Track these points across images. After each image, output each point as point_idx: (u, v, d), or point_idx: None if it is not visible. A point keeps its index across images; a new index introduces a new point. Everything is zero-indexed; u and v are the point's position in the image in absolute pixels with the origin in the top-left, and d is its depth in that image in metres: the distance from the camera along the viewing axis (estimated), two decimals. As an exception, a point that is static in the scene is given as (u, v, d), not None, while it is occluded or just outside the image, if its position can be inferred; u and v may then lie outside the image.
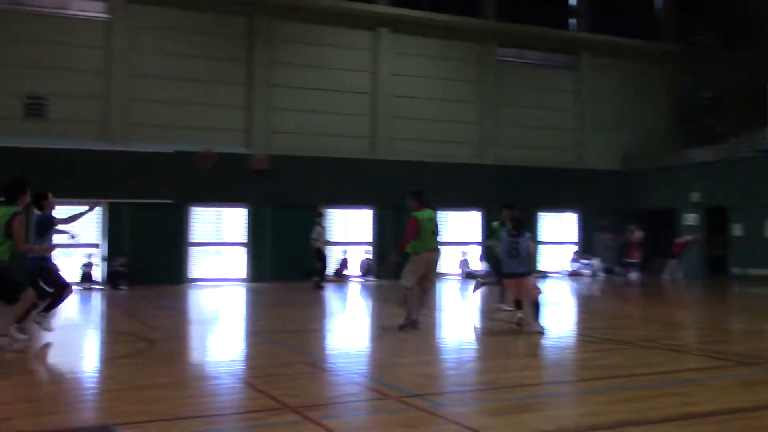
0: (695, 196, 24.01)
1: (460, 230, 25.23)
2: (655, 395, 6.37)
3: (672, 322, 13.18)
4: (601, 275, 24.92)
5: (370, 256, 23.40)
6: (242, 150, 22.12)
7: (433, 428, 5.12)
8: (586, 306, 16.64)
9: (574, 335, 10.92)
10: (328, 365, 8.00)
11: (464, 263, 24.40)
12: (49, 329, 9.18)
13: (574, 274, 25.13)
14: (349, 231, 23.84)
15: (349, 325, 12.35)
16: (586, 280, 23.78)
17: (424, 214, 10.73)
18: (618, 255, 26.04)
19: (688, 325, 12.78)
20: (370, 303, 16.71)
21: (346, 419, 5.51)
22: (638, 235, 24.07)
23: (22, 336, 8.57)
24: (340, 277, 22.60)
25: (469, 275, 23.88)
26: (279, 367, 7.71)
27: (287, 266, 21.75)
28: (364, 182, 22.94)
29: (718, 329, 11.95)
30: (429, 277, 10.78)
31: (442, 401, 6.07)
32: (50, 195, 9.42)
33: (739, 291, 19.76)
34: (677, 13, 29.29)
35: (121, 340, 9.74)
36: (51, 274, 9.19)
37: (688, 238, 23.63)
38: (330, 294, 18.06)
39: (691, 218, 24.43)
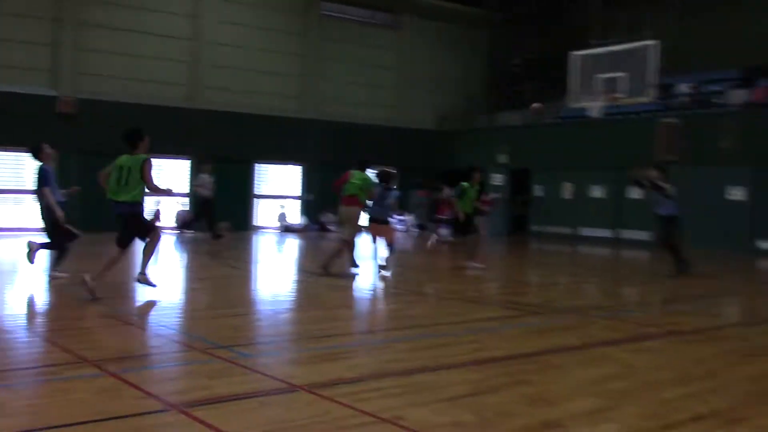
0: (502, 158, 25.43)
1: (279, 184, 25.20)
2: (452, 343, 6.78)
3: (475, 275, 13.98)
4: (414, 231, 25.87)
5: (187, 208, 22.81)
6: (47, 91, 20.65)
7: (236, 379, 5.15)
8: (398, 260, 17.23)
9: (385, 288, 11.31)
10: (134, 318, 7.78)
11: (282, 217, 24.44)
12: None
13: (389, 230, 25.86)
14: (165, 182, 23.03)
15: (160, 278, 12.02)
16: (399, 235, 24.57)
17: (353, 174, 12.26)
18: (429, 212, 27.15)
19: (488, 278, 13.61)
20: (184, 255, 16.33)
21: (147, 372, 5.41)
22: (448, 193, 25.19)
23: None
24: (153, 229, 21.87)
25: (286, 229, 24.00)
26: (80, 320, 7.40)
27: (96, 217, 20.72)
28: (181, 132, 22.21)
29: (515, 282, 12.85)
30: (345, 229, 12.23)
31: (248, 352, 6.11)
32: (46, 146, 10.47)
33: (537, 247, 21.27)
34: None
35: None
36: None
37: (494, 196, 25.00)
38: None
39: (498, 178, 25.87)
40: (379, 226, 12.24)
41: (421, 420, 4.29)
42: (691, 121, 20.81)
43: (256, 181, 24.56)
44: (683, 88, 23.32)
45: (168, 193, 9.73)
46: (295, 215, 25.01)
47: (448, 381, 5.25)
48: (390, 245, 12.18)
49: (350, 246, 12.33)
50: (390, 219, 12.53)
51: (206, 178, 19.34)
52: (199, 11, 23.33)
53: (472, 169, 13.97)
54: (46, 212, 10.22)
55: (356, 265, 12.35)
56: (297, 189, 25.40)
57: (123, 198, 8.67)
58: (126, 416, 4.23)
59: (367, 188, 12.15)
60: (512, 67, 29.35)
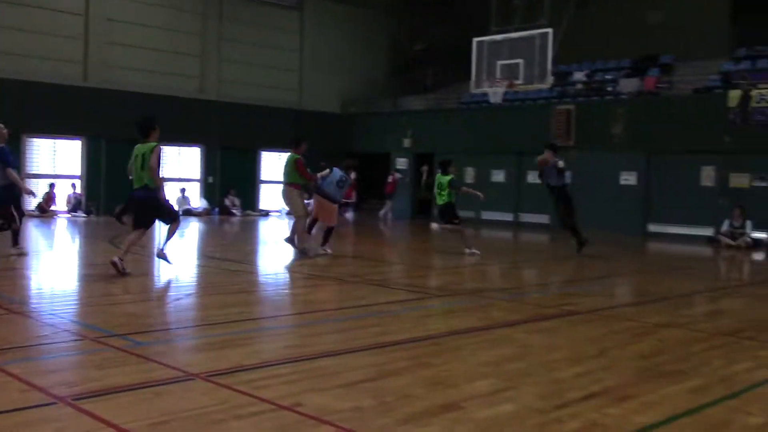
0: (406, 142, 25.58)
1: (179, 166, 24.55)
2: (356, 327, 6.76)
3: (378, 258, 14.05)
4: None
5: (80, 191, 21.96)
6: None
7: (128, 368, 4.95)
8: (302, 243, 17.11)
9: (288, 272, 11.19)
10: (23, 307, 7.39)
11: (182, 200, 23.85)
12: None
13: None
14: (57, 163, 22.09)
15: (53, 264, 11.51)
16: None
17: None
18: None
19: (392, 262, 13.71)
20: (78, 240, 15.69)
21: (33, 363, 5.12)
22: (352, 176, 25.15)
23: None
24: (45, 213, 20.95)
25: (187, 212, 23.44)
26: (-39, 310, 6.98)
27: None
28: (74, 111, 21.31)
29: (418, 265, 12.95)
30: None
31: (144, 340, 5.89)
32: (2, 125, 10.75)
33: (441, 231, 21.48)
34: (398, -35, 30.59)
35: None
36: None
37: (397, 176, 25.12)
38: (33, 230, 16.66)
39: (402, 162, 26.03)
40: (326, 204, 12.71)
41: (321, 406, 4.24)
42: (586, 108, 21.51)
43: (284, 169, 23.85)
44: (578, 76, 24.05)
45: (163, 183, 9.80)
46: (195, 198, 24.47)
47: (349, 366, 5.22)
48: (330, 227, 12.86)
49: (297, 226, 12.68)
50: (339, 201, 13.27)
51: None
52: (92, -15, 22.34)
53: (448, 162, 14.60)
54: (8, 191, 10.66)
55: (293, 243, 12.60)
56: (197, 171, 24.84)
57: (139, 184, 9.40)
58: (8, 411, 3.99)
59: (291, 169, 12.40)
60: (415, 52, 29.54)
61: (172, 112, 23.26)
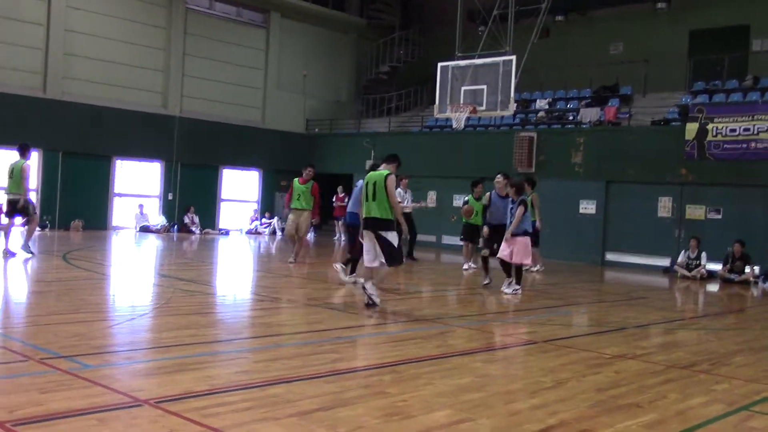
0: (369, 164, 25.48)
1: (139, 182, 24.20)
2: (311, 352, 6.63)
3: (338, 281, 13.88)
4: (280, 235, 25.56)
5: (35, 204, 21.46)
6: None
7: (73, 392, 4.77)
8: (262, 265, 16.95)
9: (246, 294, 11.02)
10: (-35, 324, 7.14)
11: (140, 216, 23.50)
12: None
13: (253, 233, 25.47)
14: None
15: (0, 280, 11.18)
16: (264, 238, 24.21)
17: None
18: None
19: (351, 285, 13.55)
20: (38, 256, 15.27)
21: (-27, 386, 4.93)
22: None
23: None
24: (-4, 226, 20.41)
25: (145, 229, 23.10)
26: None
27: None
28: (32, 122, 20.89)
29: (378, 289, 12.81)
30: None
31: (91, 362, 5.70)
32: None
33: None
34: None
35: None
36: None
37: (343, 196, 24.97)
38: None
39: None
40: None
41: (273, 436, 4.12)
42: (548, 136, 21.73)
43: (115, 178, 23.49)
44: (540, 104, 24.32)
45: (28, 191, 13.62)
46: (154, 215, 24.12)
47: (303, 393, 5.10)
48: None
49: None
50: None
51: (402, 192, 18.87)
52: (53, -4, 21.97)
53: (476, 182, 15.39)
54: None
55: None
56: (157, 187, 24.51)
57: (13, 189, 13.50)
58: (-58, 438, 3.82)
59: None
60: (379, 75, 29.64)
61: (133, 127, 23.00)
